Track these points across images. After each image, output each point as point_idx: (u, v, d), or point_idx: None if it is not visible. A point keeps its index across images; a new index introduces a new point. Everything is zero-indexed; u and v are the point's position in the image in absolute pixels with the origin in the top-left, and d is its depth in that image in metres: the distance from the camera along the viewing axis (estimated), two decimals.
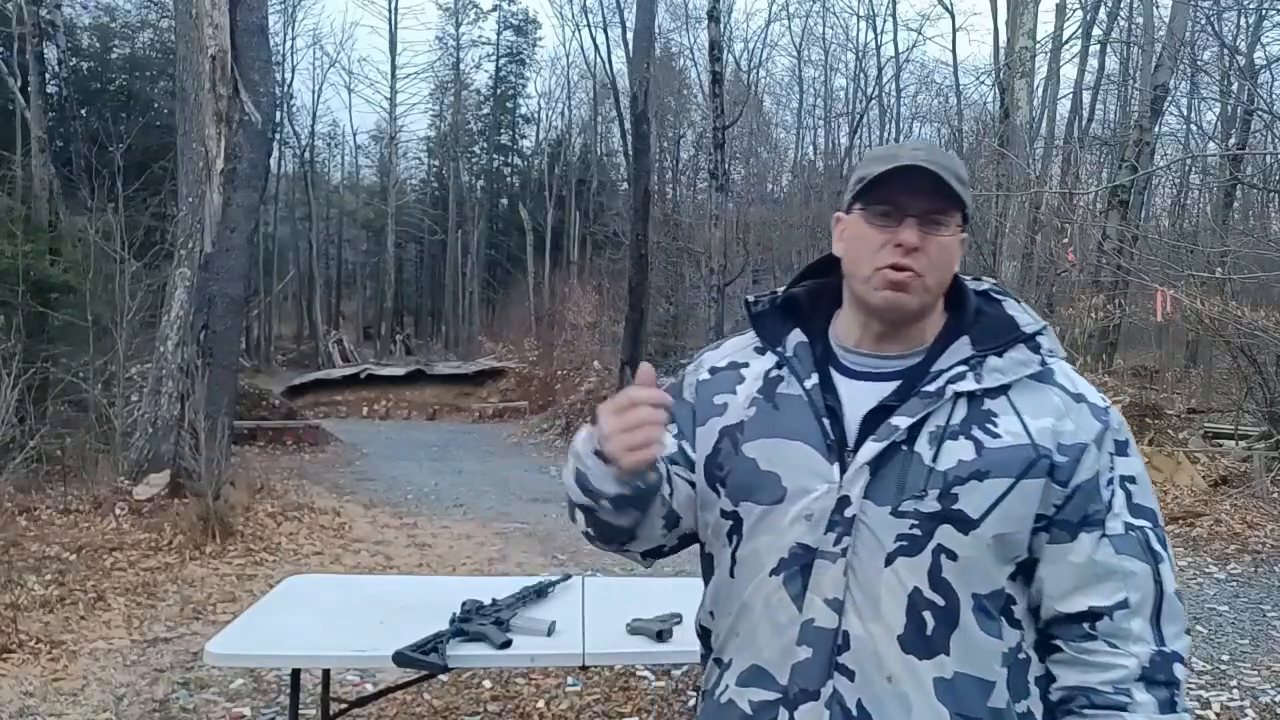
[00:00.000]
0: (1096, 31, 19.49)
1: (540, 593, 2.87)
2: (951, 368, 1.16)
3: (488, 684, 3.91)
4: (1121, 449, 1.17)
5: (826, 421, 1.16)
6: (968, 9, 44.64)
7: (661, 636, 2.54)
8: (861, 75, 27.18)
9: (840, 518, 1.12)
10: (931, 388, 1.14)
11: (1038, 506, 1.12)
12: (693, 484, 1.26)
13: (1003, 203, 12.78)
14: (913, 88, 28.25)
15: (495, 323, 28.96)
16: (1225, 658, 4.52)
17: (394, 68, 32.25)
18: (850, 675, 1.11)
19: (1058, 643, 1.16)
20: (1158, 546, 1.15)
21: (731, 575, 1.21)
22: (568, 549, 6.89)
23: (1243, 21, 16.43)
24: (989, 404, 1.14)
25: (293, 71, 31.47)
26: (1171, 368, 15.52)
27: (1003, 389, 1.15)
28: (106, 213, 9.40)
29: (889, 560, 1.11)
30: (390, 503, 8.69)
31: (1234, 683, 4.18)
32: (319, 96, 51.44)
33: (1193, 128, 20.05)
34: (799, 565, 1.14)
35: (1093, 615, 1.13)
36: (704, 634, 1.29)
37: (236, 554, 6.05)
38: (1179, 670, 1.14)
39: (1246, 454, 8.95)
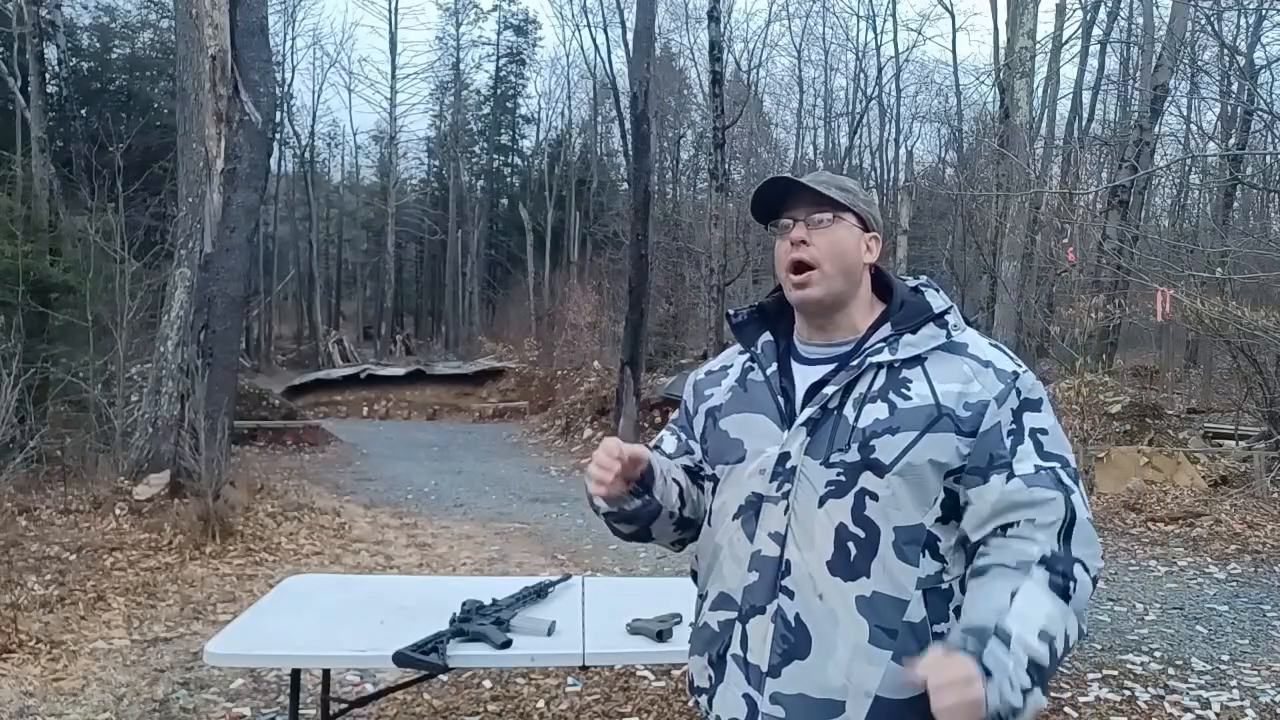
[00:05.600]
0: (1096, 31, 19.51)
1: (540, 593, 2.87)
2: (873, 345, 1.41)
3: (488, 684, 3.91)
4: (1031, 406, 1.37)
5: (780, 398, 1.45)
6: (968, 9, 44.72)
7: (661, 636, 2.53)
8: (861, 75, 27.23)
9: (782, 469, 1.39)
10: (855, 362, 1.40)
11: (947, 455, 1.33)
12: (699, 470, 1.56)
13: (1003, 203, 12.78)
14: (913, 88, 28.40)
15: (495, 323, 28.98)
16: (1225, 658, 4.52)
17: (394, 68, 32.30)
18: (790, 594, 1.36)
19: (979, 549, 1.33)
20: (1068, 480, 1.33)
21: (709, 524, 1.51)
22: (568, 549, 6.90)
23: (1243, 21, 16.43)
24: (905, 373, 1.39)
25: (293, 71, 31.54)
26: (1171, 368, 15.53)
27: (916, 359, 1.39)
28: (106, 213, 9.38)
29: (821, 502, 1.36)
30: (390, 503, 8.69)
31: (1234, 683, 4.17)
32: (319, 96, 51.64)
33: (1193, 128, 20.00)
34: (752, 510, 1.41)
35: (1006, 526, 1.31)
36: (694, 576, 1.57)
37: (236, 554, 6.05)
38: (1080, 573, 1.28)
39: (1246, 454, 8.96)
